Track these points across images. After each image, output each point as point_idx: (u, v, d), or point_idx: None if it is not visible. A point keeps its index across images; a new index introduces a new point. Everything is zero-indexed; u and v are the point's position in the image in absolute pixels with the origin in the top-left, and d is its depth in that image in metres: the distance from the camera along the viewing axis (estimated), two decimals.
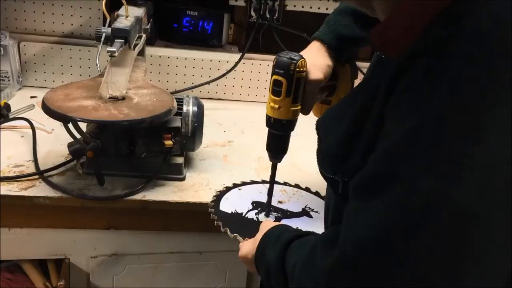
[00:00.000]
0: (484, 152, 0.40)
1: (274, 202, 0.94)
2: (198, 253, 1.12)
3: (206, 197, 0.99)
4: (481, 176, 0.40)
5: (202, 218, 1.03)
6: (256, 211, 0.92)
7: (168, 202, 0.98)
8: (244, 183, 1.04)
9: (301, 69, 0.77)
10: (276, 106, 0.79)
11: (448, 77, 0.42)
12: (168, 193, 1.00)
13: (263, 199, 0.94)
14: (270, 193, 0.91)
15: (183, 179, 1.06)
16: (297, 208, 0.95)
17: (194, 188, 1.03)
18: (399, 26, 0.50)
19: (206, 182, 1.06)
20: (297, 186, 1.05)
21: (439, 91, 0.42)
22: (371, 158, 0.48)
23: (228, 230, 0.85)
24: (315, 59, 0.83)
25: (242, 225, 0.87)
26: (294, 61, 0.76)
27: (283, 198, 0.99)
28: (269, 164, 0.88)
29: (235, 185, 1.03)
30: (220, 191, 0.99)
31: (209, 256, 1.13)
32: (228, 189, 1.01)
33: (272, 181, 0.90)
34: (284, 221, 0.90)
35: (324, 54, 0.86)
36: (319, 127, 0.64)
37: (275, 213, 0.92)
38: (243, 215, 0.91)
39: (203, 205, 0.98)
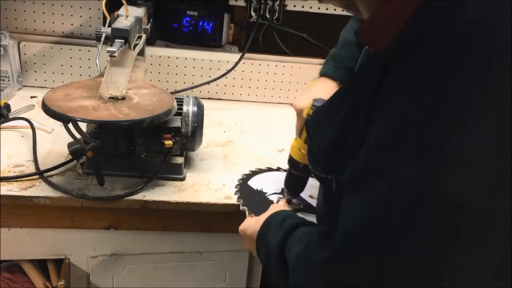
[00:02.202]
0: (469, 144, 0.41)
1: (305, 196, 0.94)
2: (198, 253, 1.12)
3: (206, 197, 1.00)
4: (468, 168, 0.41)
5: (202, 218, 1.04)
6: (280, 196, 0.92)
7: (168, 202, 0.98)
8: (284, 169, 1.02)
9: None
10: (305, 152, 0.80)
11: (432, 70, 0.42)
12: (168, 193, 1.00)
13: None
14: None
15: (183, 179, 1.06)
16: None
17: (194, 188, 1.03)
18: (384, 19, 0.51)
19: (206, 182, 1.06)
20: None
21: (423, 84, 0.43)
22: (361, 152, 0.48)
23: (241, 202, 0.86)
24: None
25: (260, 204, 0.87)
26: None
27: (315, 193, 0.97)
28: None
29: (279, 169, 1.02)
30: (259, 169, 0.99)
31: (209, 256, 1.13)
32: (269, 169, 1.00)
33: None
34: (302, 215, 0.89)
35: None
36: (309, 126, 0.64)
37: (297, 202, 0.91)
38: (266, 195, 0.90)
39: (203, 205, 0.98)
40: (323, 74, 0.89)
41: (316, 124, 0.62)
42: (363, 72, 0.56)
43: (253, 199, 0.87)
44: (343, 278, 0.48)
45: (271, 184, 0.94)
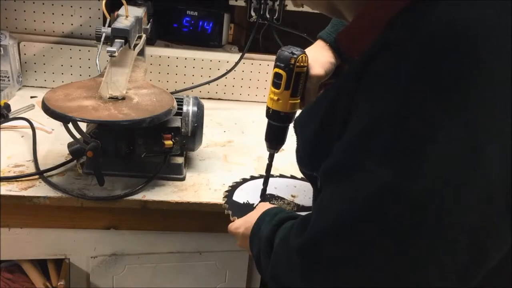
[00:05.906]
0: (435, 149, 0.42)
1: (287, 196, 0.96)
2: (198, 253, 1.12)
3: (206, 197, 1.00)
4: (434, 172, 0.42)
5: (202, 218, 1.04)
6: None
7: (168, 202, 0.98)
8: (261, 176, 1.03)
9: (302, 64, 0.79)
10: (275, 98, 0.81)
11: (404, 76, 0.44)
12: (168, 193, 1.00)
13: (277, 192, 0.96)
14: (265, 182, 0.92)
15: (183, 179, 1.06)
16: (309, 203, 0.95)
17: (194, 188, 1.03)
18: (361, 28, 0.53)
19: (206, 182, 1.06)
20: (303, 179, 1.05)
21: (395, 88, 0.44)
22: (336, 148, 0.50)
23: (231, 213, 0.87)
24: (317, 56, 0.85)
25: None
26: (295, 56, 0.78)
27: (295, 192, 0.99)
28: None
29: (253, 177, 1.03)
30: (236, 182, 1.01)
31: (209, 256, 1.13)
32: (244, 180, 1.02)
33: (269, 170, 0.91)
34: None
35: (327, 51, 0.87)
36: (296, 126, 0.66)
37: (289, 207, 0.93)
38: (254, 206, 0.91)
39: (203, 205, 0.98)
40: (318, 36, 0.90)
41: (302, 123, 0.64)
42: (344, 75, 0.58)
43: (243, 212, 0.88)
44: (316, 265, 0.50)
45: (253, 195, 0.95)
